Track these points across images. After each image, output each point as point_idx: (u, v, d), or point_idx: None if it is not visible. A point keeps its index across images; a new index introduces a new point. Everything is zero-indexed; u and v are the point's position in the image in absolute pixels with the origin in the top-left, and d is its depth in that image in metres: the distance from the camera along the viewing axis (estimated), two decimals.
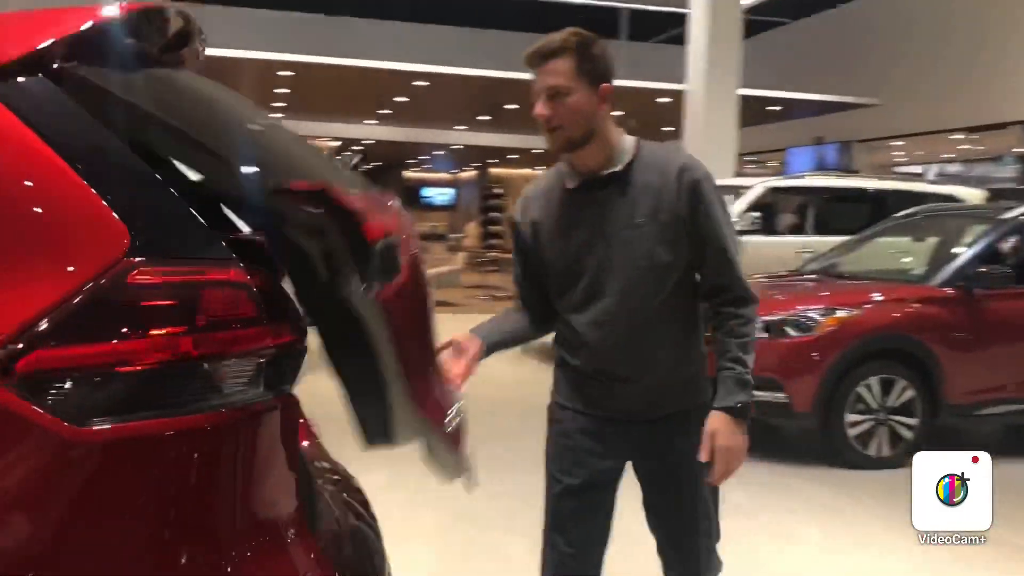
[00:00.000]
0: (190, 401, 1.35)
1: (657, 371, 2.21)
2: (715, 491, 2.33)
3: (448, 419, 1.88)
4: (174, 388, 1.34)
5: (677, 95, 13.72)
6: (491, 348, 2.25)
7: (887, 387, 5.55)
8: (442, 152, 25.74)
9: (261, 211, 1.52)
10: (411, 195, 27.70)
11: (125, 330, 1.31)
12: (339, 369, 1.85)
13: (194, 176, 1.64)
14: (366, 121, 20.37)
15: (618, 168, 2.14)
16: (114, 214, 1.34)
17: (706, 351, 2.28)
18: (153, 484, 1.33)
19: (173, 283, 1.37)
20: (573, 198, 2.20)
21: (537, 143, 24.96)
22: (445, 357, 2.11)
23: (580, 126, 2.08)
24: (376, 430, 2.00)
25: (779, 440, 6.12)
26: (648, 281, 2.15)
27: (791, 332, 5.58)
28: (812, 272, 6.99)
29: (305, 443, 2.72)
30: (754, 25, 20.61)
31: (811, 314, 5.64)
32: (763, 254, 8.65)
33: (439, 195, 29.23)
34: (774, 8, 21.83)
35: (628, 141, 2.17)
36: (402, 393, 1.63)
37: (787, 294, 6.23)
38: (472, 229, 23.79)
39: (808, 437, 5.90)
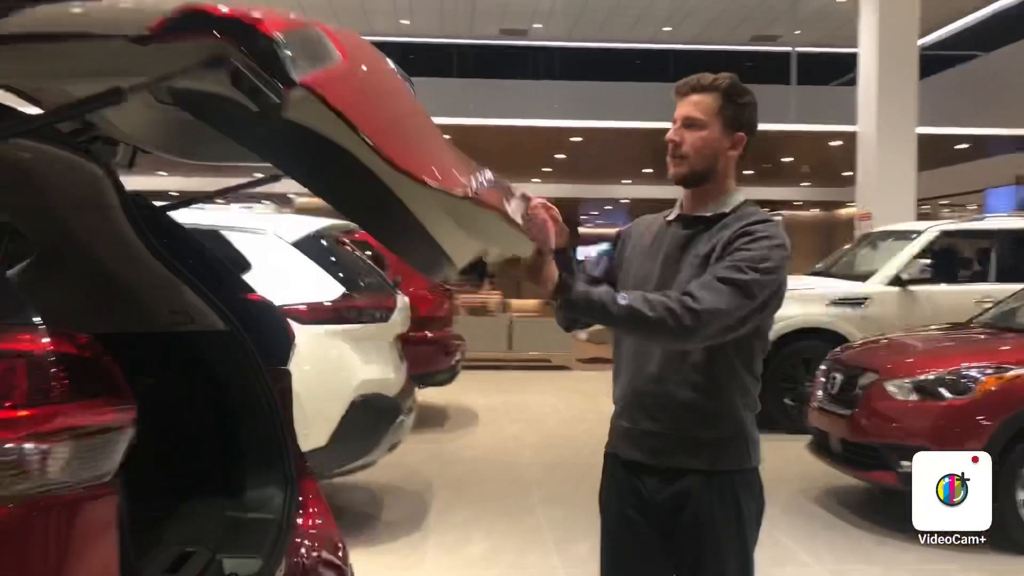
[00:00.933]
0: None
1: (682, 419, 2.12)
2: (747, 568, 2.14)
3: (473, 182, 1.63)
4: None
5: (851, 137, 12.93)
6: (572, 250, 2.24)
7: None
8: (612, 207, 25.58)
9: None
10: None
11: None
12: (356, 215, 1.72)
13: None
14: (532, 180, 20.57)
15: (710, 214, 2.16)
16: None
17: (749, 419, 2.16)
18: None
19: None
20: (664, 229, 2.25)
21: None
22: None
23: (703, 161, 2.13)
24: (423, 261, 1.84)
25: None
26: None
27: (945, 394, 4.87)
28: (985, 324, 6.16)
29: (319, 520, 2.51)
30: (942, 61, 19.25)
31: (972, 372, 4.91)
32: (937, 304, 7.83)
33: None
34: (966, 41, 20.35)
35: (739, 197, 2.18)
36: (411, 180, 1.39)
37: (950, 349, 5.49)
38: None
39: None
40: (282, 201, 22.77)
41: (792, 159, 17.34)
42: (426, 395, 8.70)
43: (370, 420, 4.75)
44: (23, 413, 1.19)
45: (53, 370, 1.22)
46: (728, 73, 2.16)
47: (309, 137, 1.33)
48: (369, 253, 6.60)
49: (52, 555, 1.21)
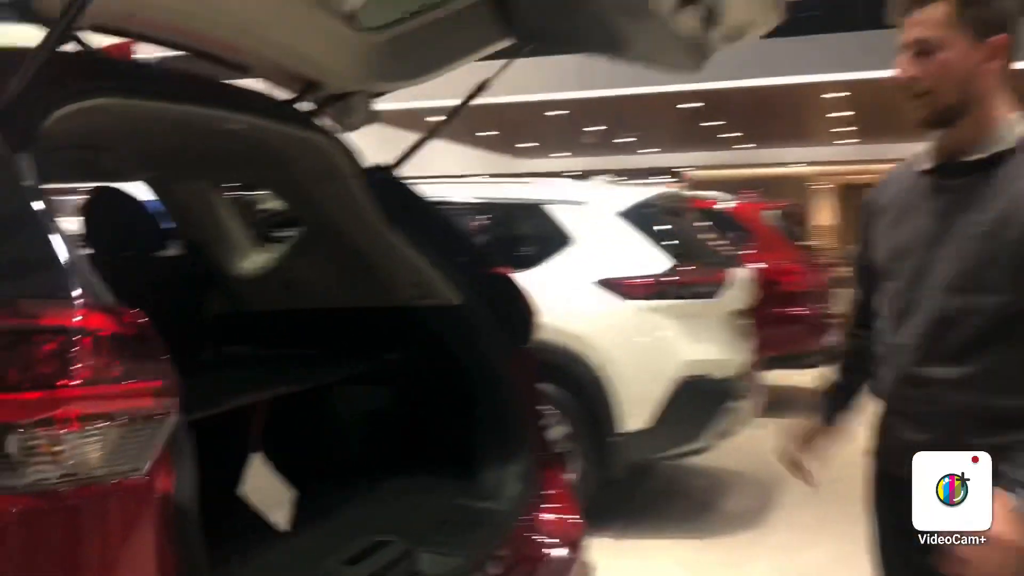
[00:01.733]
0: None
1: (960, 426, 1.67)
2: None
3: None
4: None
5: None
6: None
7: None
8: None
9: None
10: None
11: None
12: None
13: None
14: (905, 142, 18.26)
15: (985, 155, 1.65)
16: None
17: None
18: None
19: None
20: (920, 183, 1.76)
21: None
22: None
23: (954, 90, 1.64)
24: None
25: None
26: (969, 315, 1.63)
27: None
28: None
29: (559, 515, 2.36)
30: None
31: None
32: None
33: None
34: None
35: (1017, 123, 1.66)
36: None
37: None
38: None
39: None
40: (674, 176, 22.80)
41: None
42: (799, 378, 8.03)
43: (696, 403, 4.40)
44: (53, 394, 1.11)
45: (91, 349, 1.13)
46: None
47: None
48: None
49: (72, 554, 1.12)
